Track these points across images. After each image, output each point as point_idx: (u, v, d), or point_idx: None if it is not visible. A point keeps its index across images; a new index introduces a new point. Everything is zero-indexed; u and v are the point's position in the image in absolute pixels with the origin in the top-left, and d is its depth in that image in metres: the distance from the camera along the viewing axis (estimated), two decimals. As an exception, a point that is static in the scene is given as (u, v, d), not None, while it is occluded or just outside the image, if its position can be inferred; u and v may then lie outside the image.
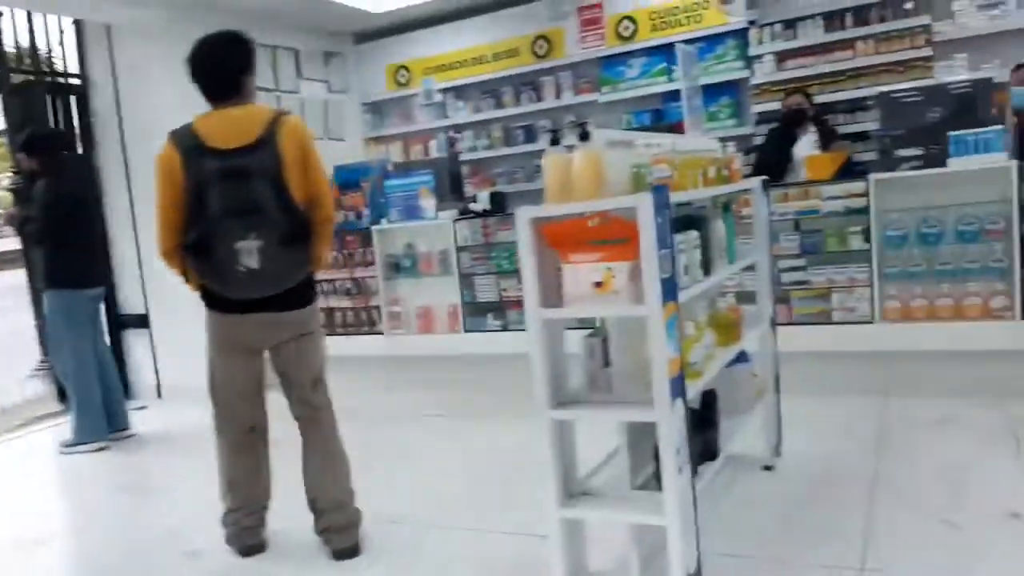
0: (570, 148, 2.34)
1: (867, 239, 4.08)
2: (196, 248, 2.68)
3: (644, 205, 2.13)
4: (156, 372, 6.23)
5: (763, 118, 5.98)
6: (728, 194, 3.01)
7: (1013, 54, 5.27)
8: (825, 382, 4.10)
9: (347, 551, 2.94)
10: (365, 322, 5.71)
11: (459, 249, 5.27)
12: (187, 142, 2.68)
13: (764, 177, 3.38)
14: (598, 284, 2.23)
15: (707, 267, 2.73)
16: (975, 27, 5.38)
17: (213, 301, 2.82)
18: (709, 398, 2.78)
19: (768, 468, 3.30)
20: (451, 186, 5.73)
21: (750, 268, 3.32)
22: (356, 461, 3.17)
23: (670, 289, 2.21)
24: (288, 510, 3.10)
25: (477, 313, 5.31)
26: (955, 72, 5.38)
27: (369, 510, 3.17)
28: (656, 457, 2.28)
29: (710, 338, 2.74)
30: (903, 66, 5.57)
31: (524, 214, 2.33)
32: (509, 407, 4.64)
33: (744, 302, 3.53)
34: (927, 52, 5.48)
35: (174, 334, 5.90)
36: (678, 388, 2.23)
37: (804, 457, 3.37)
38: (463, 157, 7.10)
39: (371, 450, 4.24)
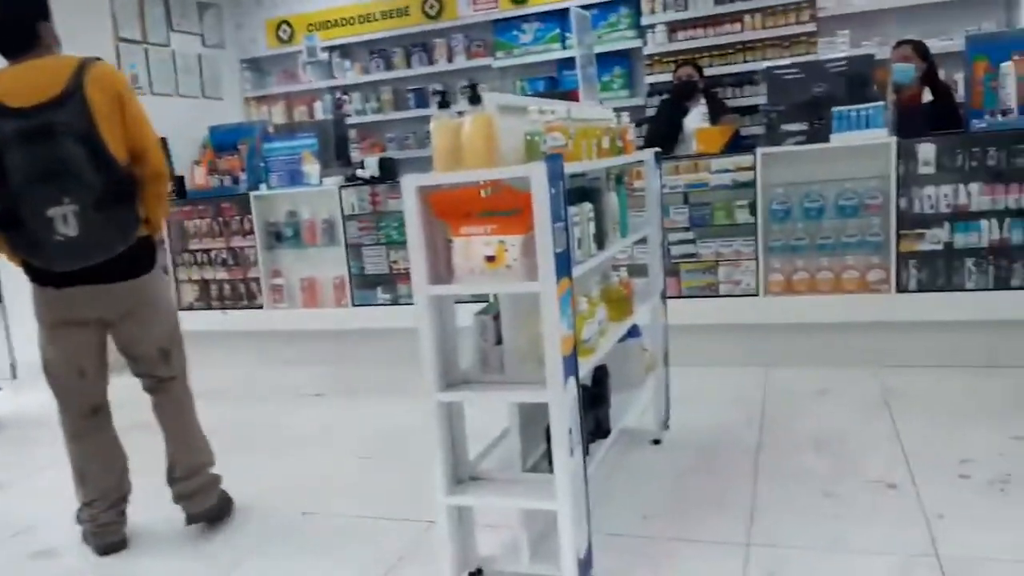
0: (460, 113, 2.19)
1: (753, 213, 4.13)
2: (4, 221, 2.43)
3: (538, 175, 2.01)
4: (10, 351, 5.70)
5: (655, 89, 5.98)
6: (621, 166, 2.94)
7: (893, 31, 5.45)
8: (712, 354, 4.16)
9: (200, 515, 2.83)
10: (244, 295, 5.40)
11: (346, 218, 5.03)
12: None
13: (657, 149, 3.33)
14: (490, 258, 2.10)
15: (600, 241, 2.66)
16: (858, 4, 5.53)
17: (37, 274, 2.57)
18: (600, 374, 2.72)
19: (657, 442, 3.29)
20: (337, 151, 5.47)
21: (642, 241, 3.28)
22: (228, 443, 2.99)
23: (564, 264, 2.11)
24: (155, 501, 2.86)
25: (366, 286, 5.10)
26: (837, 48, 5.53)
27: (241, 497, 2.99)
28: (548, 438, 2.20)
29: (602, 313, 2.67)
30: (788, 41, 5.68)
31: (410, 182, 2.17)
32: (400, 385, 4.51)
33: (635, 275, 3.50)
34: (811, 28, 5.60)
35: (30, 309, 5.39)
36: (571, 367, 2.14)
37: (691, 430, 3.39)
38: (351, 120, 6.81)
39: (246, 432, 4.05)
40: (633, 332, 3.07)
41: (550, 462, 2.22)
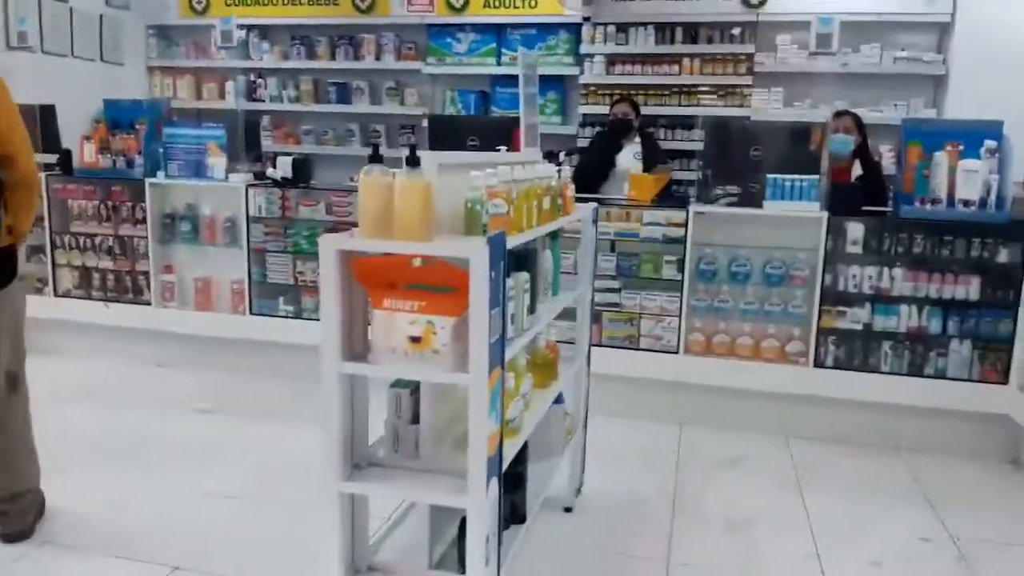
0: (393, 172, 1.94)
1: (680, 269, 4.03)
2: None
3: (478, 257, 1.79)
4: None
5: (588, 120, 5.85)
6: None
7: (825, 95, 5.51)
8: (628, 406, 4.05)
9: (11, 536, 2.71)
10: (130, 289, 4.93)
11: (251, 219, 4.65)
12: None
13: (595, 205, 3.16)
14: (415, 339, 1.87)
15: (533, 304, 2.47)
16: (793, 64, 5.55)
17: None
18: (521, 451, 2.53)
19: (568, 510, 3.13)
20: (247, 143, 5.05)
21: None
22: (81, 451, 2.64)
23: (498, 352, 1.90)
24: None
25: (267, 295, 4.73)
26: (771, 104, 5.54)
27: (69, 516, 2.74)
28: (461, 535, 1.99)
29: (528, 384, 2.48)
30: (724, 90, 5.65)
31: (330, 245, 1.90)
32: (294, 407, 4.21)
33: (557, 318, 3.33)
34: (748, 80, 5.58)
35: None
36: (495, 467, 1.94)
37: (604, 497, 3.25)
38: (264, 107, 6.38)
39: (107, 441, 3.72)
40: (557, 398, 2.89)
41: (460, 559, 2.02)
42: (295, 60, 6.38)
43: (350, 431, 1.99)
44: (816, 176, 3.87)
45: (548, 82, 5.89)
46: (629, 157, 5.08)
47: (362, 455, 2.05)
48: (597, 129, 5.67)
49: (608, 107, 5.68)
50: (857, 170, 4.44)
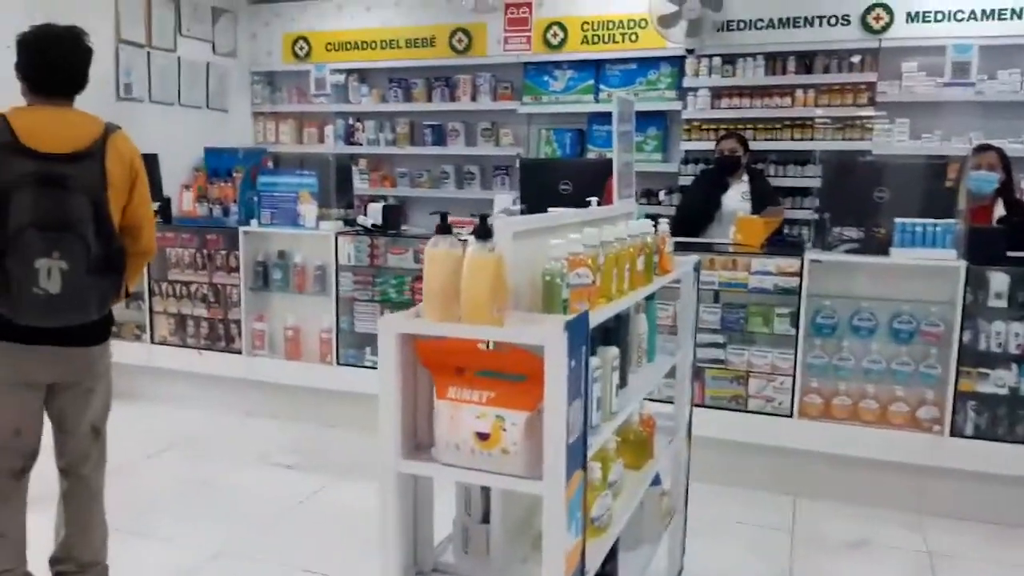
0: (463, 240, 1.72)
1: (794, 324, 3.64)
2: None
3: (555, 344, 1.54)
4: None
5: (691, 157, 5.52)
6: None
7: (956, 126, 4.99)
8: (735, 473, 3.68)
9: None
10: (222, 336, 4.93)
11: (340, 268, 4.57)
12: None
13: (696, 259, 2.85)
14: (482, 436, 1.63)
15: (623, 377, 2.19)
16: (920, 93, 5.06)
17: None
18: (610, 551, 2.23)
19: (665, 602, 2.80)
20: (339, 190, 4.99)
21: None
22: (163, 502, 2.52)
23: (578, 454, 1.64)
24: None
25: (355, 344, 4.63)
26: (895, 137, 5.06)
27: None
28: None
29: (619, 470, 2.19)
30: (842, 123, 5.21)
31: (390, 326, 1.69)
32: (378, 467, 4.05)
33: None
34: (869, 112, 5.13)
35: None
36: (575, 582, 1.66)
37: (707, 586, 2.90)
38: (362, 149, 6.37)
39: (188, 492, 3.67)
40: (653, 479, 2.59)
41: None
42: (392, 103, 6.36)
43: (412, 533, 1.76)
44: (952, 220, 3.43)
45: (649, 118, 5.62)
46: (736, 197, 4.72)
47: (426, 559, 1.82)
48: (701, 167, 5.34)
49: (713, 143, 5.36)
50: (999, 210, 3.94)
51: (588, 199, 2.72)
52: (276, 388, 4.76)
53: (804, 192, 5.27)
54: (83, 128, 2.41)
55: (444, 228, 1.75)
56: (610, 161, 4.47)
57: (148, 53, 5.82)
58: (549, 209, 4.12)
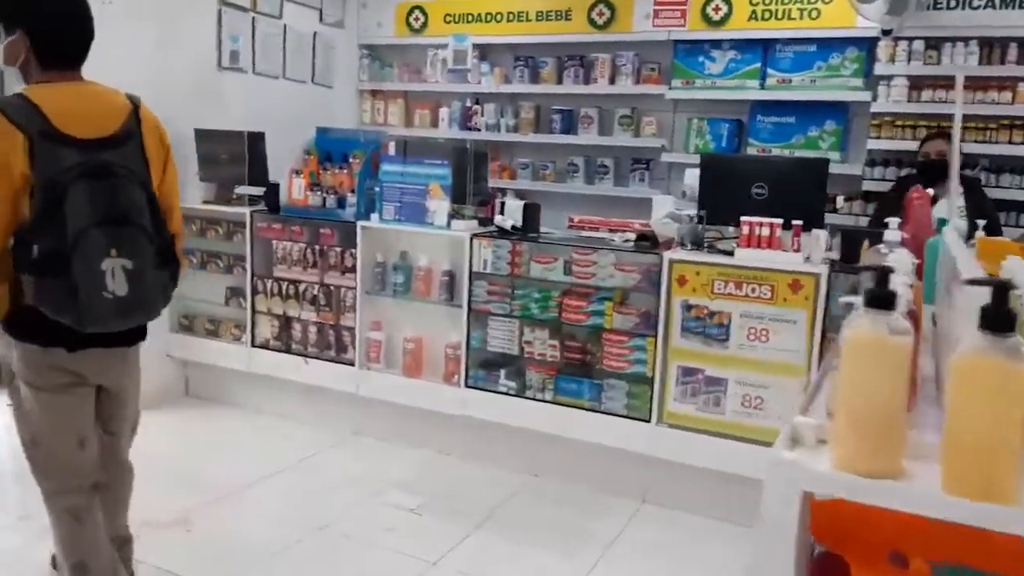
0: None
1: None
2: (45, 266, 2.01)
3: None
4: None
5: (878, 158, 4.68)
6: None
7: None
8: None
9: None
10: (333, 345, 4.32)
11: (473, 275, 3.90)
12: (34, 123, 2.00)
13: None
14: None
15: None
16: None
17: (43, 333, 2.11)
18: None
19: None
20: (472, 179, 4.30)
21: None
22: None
23: None
24: None
25: (486, 365, 3.96)
26: None
27: None
28: None
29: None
30: (1075, 125, 4.30)
31: (786, 479, 0.98)
32: (517, 513, 3.41)
33: None
34: (1116, 112, 4.22)
35: None
36: None
37: None
38: (481, 135, 5.68)
39: (300, 547, 3.06)
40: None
41: None
42: (517, 83, 5.63)
43: None
44: None
45: (827, 109, 4.78)
46: (946, 212, 3.88)
47: None
48: (898, 172, 4.50)
49: (908, 142, 4.52)
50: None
51: (886, 219, 1.99)
52: (391, 407, 4.14)
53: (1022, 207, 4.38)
54: (112, 105, 2.17)
55: (883, 297, 1.02)
56: (826, 161, 3.71)
57: (253, 18, 5.21)
58: (742, 219, 3.40)
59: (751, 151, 4.96)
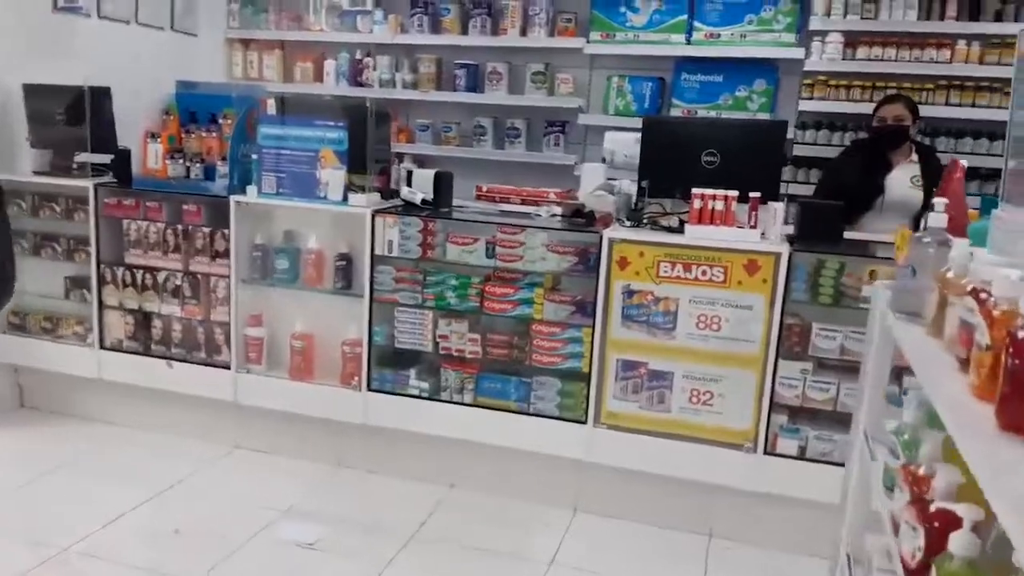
0: None
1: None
2: None
3: None
4: None
5: (811, 120, 4.35)
6: None
7: None
8: None
9: None
10: (203, 345, 3.61)
11: (376, 259, 3.28)
12: None
13: None
14: None
15: None
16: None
17: None
18: None
19: None
20: (376, 151, 3.63)
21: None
22: None
23: None
24: None
25: (392, 364, 3.37)
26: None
27: None
28: None
29: None
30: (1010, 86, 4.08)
31: None
32: (443, 532, 2.93)
33: None
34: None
35: None
36: None
37: None
38: (374, 92, 4.99)
39: None
40: None
41: None
42: (415, 33, 4.96)
43: None
44: None
45: (756, 67, 4.40)
46: (904, 182, 3.58)
47: None
48: (855, 137, 4.17)
49: (850, 104, 4.20)
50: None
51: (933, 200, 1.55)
52: (278, 417, 3.50)
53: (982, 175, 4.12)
54: None
55: None
56: (784, 124, 3.30)
57: (98, -47, 4.30)
58: (694, 191, 2.93)
59: (675, 113, 4.53)
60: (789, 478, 2.91)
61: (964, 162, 2.13)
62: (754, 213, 2.86)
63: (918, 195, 3.54)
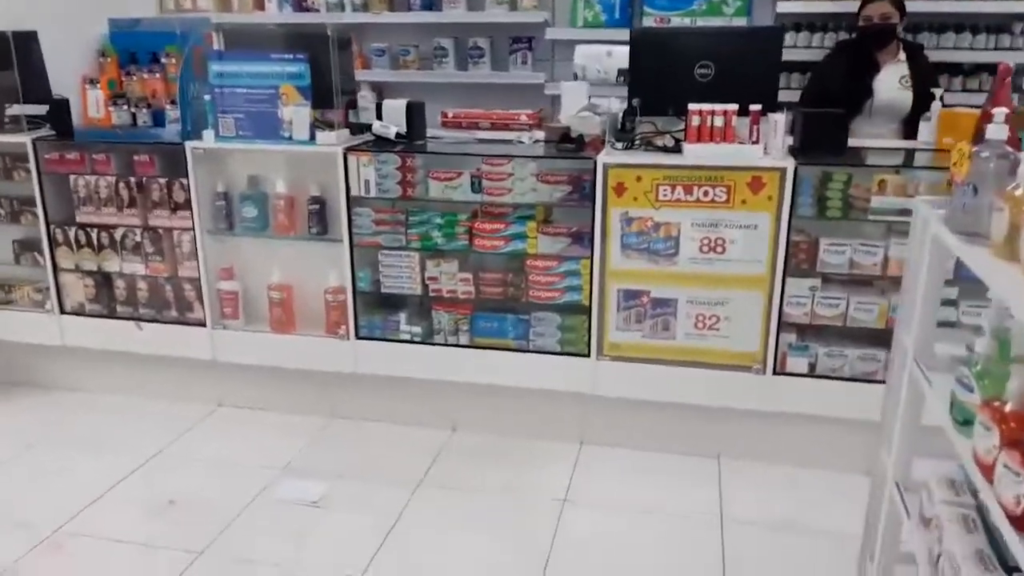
0: None
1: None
2: None
3: None
4: None
5: (789, 23, 4.16)
6: None
7: None
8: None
9: None
10: (172, 303, 3.39)
11: (353, 201, 3.07)
12: None
13: None
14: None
15: None
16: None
17: None
18: None
19: None
20: (342, 83, 3.35)
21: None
22: None
23: None
24: None
25: (380, 310, 3.21)
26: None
27: None
28: None
29: None
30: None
31: None
32: (450, 478, 2.90)
33: None
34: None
35: None
36: None
37: None
38: (320, 17, 4.64)
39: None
40: None
41: None
42: (362, -50, 4.59)
43: None
44: None
45: (731, -32, 4.17)
46: (893, 84, 3.45)
47: None
48: (841, 38, 3.99)
49: (830, 3, 4.01)
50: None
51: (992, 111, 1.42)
52: (261, 372, 3.34)
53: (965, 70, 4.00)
54: None
55: None
56: (781, 31, 3.12)
57: None
58: (690, 107, 2.76)
59: (647, 22, 4.29)
60: (799, 396, 2.87)
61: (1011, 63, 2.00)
62: (755, 127, 2.71)
63: (908, 96, 3.42)
